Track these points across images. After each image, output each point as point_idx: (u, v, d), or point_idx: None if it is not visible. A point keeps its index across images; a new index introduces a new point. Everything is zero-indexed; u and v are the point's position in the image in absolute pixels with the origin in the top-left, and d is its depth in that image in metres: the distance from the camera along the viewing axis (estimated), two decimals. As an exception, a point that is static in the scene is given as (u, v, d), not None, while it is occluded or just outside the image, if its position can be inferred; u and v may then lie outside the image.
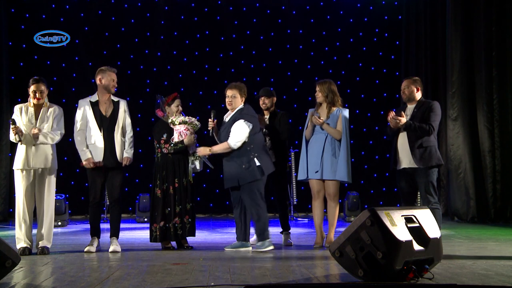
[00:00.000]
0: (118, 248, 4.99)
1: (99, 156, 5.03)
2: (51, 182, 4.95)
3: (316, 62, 9.48)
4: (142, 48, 9.41)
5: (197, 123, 5.25)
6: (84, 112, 5.10)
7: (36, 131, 4.83)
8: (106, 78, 5.16)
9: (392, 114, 4.87)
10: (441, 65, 8.80)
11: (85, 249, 4.94)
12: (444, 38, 8.58)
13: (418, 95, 5.06)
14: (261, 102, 5.59)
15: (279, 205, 5.59)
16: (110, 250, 4.96)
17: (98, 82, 5.19)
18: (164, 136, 5.17)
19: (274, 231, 5.62)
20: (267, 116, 5.58)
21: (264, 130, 5.40)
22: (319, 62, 9.52)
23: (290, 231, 5.58)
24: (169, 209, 5.09)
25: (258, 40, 9.60)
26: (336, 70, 9.28)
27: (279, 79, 9.51)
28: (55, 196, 5.15)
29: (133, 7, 9.43)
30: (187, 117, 5.21)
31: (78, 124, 5.09)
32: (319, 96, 5.24)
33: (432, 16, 9.09)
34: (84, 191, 8.82)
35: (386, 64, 9.66)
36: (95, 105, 5.13)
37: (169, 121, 5.16)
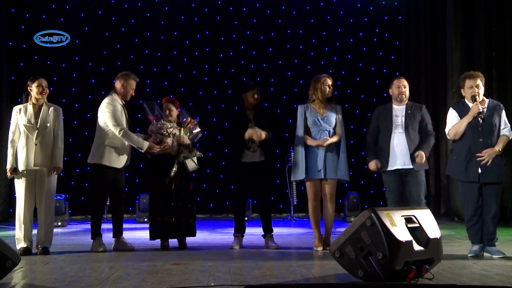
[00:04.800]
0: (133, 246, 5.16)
1: (125, 158, 5.12)
2: (51, 182, 4.95)
3: (316, 62, 9.48)
4: (142, 48, 9.42)
5: (169, 130, 5.18)
6: (120, 111, 5.09)
7: (54, 172, 4.92)
8: (128, 85, 5.18)
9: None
10: (441, 65, 8.80)
11: (100, 249, 4.97)
12: (444, 38, 8.58)
13: None
14: (252, 98, 5.32)
15: (263, 206, 5.41)
16: (125, 247, 5.07)
17: (119, 86, 5.18)
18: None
19: (254, 231, 5.66)
20: (253, 112, 5.34)
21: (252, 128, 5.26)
22: (319, 62, 9.51)
23: (273, 233, 5.37)
24: (153, 207, 5.29)
25: (258, 40, 9.60)
26: (336, 70, 9.27)
27: (279, 79, 9.51)
28: (55, 196, 5.15)
29: (133, 7, 9.43)
30: (159, 123, 5.20)
31: (123, 121, 5.07)
32: (331, 91, 5.10)
33: (432, 16, 9.09)
34: (84, 192, 8.86)
35: (386, 64, 9.65)
36: (123, 108, 5.15)
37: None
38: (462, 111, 4.68)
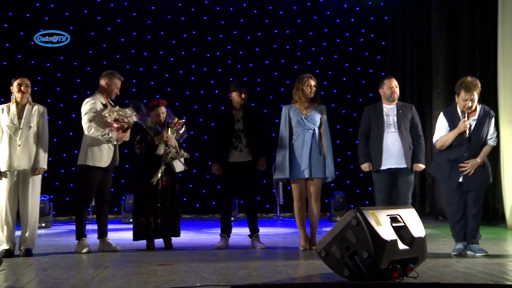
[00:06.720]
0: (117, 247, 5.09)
1: (109, 157, 5.05)
2: (35, 183, 4.89)
3: (302, 62, 9.50)
4: (127, 48, 9.36)
5: (131, 120, 5.04)
6: (98, 110, 5.03)
7: (37, 173, 4.83)
8: (113, 83, 5.15)
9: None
10: (426, 66, 8.88)
11: (84, 251, 4.91)
12: (429, 39, 8.66)
13: None
14: (239, 98, 5.31)
15: (249, 206, 5.41)
16: (110, 248, 5.01)
17: (103, 84, 5.15)
18: (138, 137, 5.31)
19: (240, 231, 5.63)
20: (241, 112, 5.35)
21: (239, 127, 5.28)
22: (306, 62, 9.54)
23: (259, 233, 5.37)
24: (138, 208, 5.25)
25: (245, 40, 9.60)
26: (322, 70, 9.31)
27: (265, 79, 9.52)
28: (39, 197, 5.09)
29: (118, 6, 9.36)
30: (122, 111, 5.04)
31: (94, 120, 4.98)
32: (314, 91, 5.11)
33: (417, 17, 9.18)
34: (69, 192, 8.77)
35: (372, 65, 9.71)
36: (105, 107, 5.10)
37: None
38: (453, 120, 4.64)
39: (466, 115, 4.58)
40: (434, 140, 4.77)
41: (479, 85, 4.64)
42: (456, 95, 4.67)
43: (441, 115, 4.79)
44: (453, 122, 4.64)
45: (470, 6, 7.99)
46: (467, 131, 4.55)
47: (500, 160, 6.90)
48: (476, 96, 4.59)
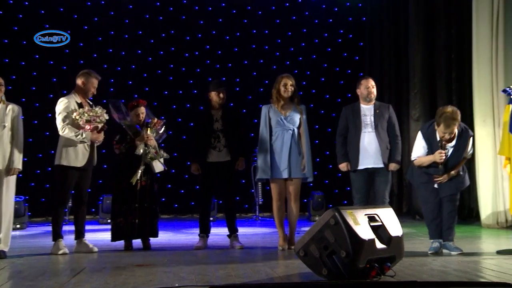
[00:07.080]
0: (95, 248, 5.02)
1: (85, 157, 4.97)
2: (9, 184, 4.79)
3: (281, 63, 9.54)
4: (105, 47, 9.26)
5: (102, 118, 4.98)
6: (72, 110, 4.96)
7: (11, 173, 4.73)
8: (89, 82, 5.08)
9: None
10: (403, 66, 9.00)
11: (60, 252, 4.83)
12: (407, 40, 8.77)
13: None
14: (217, 97, 5.28)
15: (228, 206, 5.42)
16: (87, 249, 4.94)
17: (80, 84, 5.08)
18: (117, 137, 5.28)
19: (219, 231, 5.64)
20: (219, 112, 5.33)
21: (218, 127, 5.27)
22: (284, 63, 9.58)
23: (238, 233, 5.36)
24: (116, 208, 5.22)
25: (224, 40, 9.59)
26: (301, 71, 9.35)
27: (244, 79, 9.52)
28: (14, 197, 4.99)
29: (96, 5, 9.26)
30: (92, 111, 4.98)
31: (68, 120, 4.91)
32: (291, 90, 5.10)
33: (394, 18, 9.29)
34: (44, 193, 8.63)
35: (350, 65, 9.80)
36: (80, 107, 5.02)
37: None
38: (431, 143, 4.66)
39: (443, 145, 4.60)
40: (412, 158, 4.80)
41: (459, 116, 4.58)
42: (435, 123, 4.63)
43: (420, 135, 4.77)
44: (431, 146, 4.67)
45: (446, 7, 8.12)
46: (441, 164, 4.61)
47: (475, 160, 7.02)
48: (456, 129, 4.59)
